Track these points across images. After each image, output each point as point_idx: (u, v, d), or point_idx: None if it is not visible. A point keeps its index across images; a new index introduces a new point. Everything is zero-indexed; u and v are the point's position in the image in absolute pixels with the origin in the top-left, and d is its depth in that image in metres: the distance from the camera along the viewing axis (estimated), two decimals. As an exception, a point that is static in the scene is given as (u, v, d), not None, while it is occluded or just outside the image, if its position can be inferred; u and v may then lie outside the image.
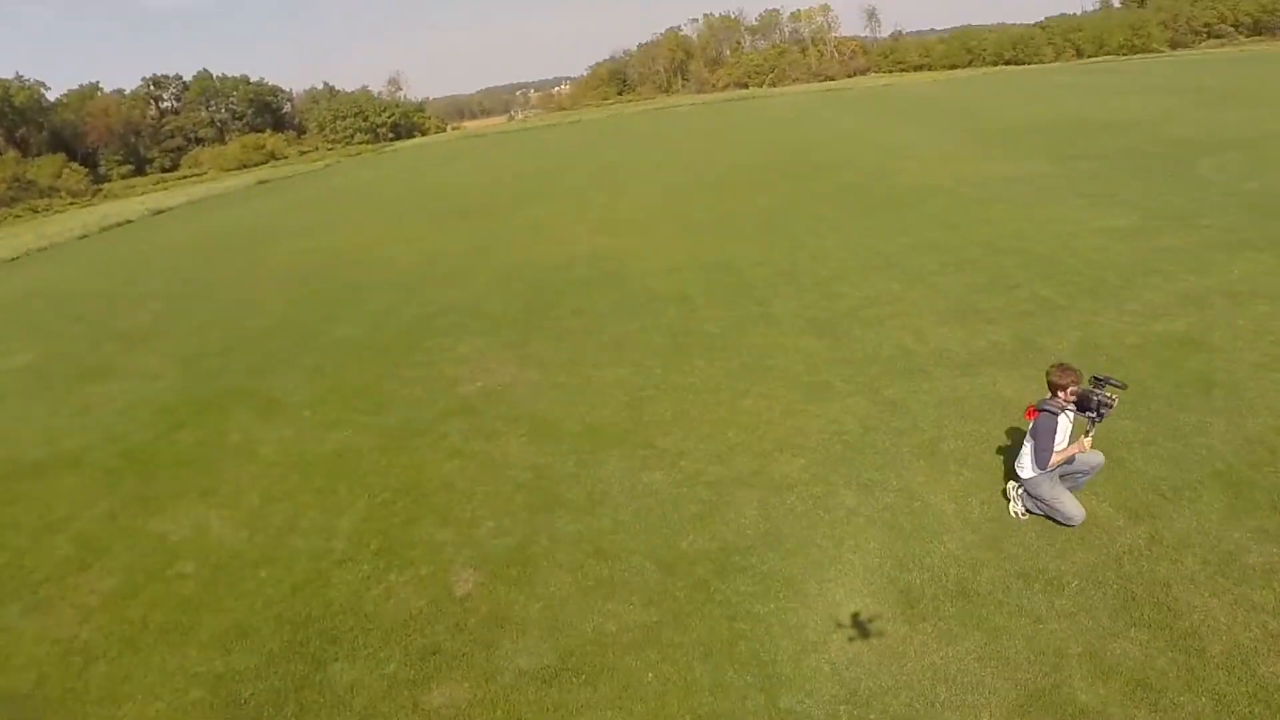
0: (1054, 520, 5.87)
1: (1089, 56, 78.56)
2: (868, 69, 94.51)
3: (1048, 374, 5.75)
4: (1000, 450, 7.04)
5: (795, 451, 7.46)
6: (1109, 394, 5.54)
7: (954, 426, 7.54)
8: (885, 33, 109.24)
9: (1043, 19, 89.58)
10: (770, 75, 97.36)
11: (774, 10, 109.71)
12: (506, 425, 8.85)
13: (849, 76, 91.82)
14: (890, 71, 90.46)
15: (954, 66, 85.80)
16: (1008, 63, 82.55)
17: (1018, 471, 5.98)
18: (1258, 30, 75.77)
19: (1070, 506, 5.75)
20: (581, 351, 10.83)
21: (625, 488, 7.25)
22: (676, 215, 20.02)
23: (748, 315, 11.41)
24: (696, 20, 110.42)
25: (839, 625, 5.29)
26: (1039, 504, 5.90)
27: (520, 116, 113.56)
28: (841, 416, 8.02)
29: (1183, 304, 9.67)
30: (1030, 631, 5.02)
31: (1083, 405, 5.62)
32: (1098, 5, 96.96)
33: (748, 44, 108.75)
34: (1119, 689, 4.55)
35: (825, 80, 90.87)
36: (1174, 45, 77.22)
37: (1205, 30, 78.11)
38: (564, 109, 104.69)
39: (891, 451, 7.25)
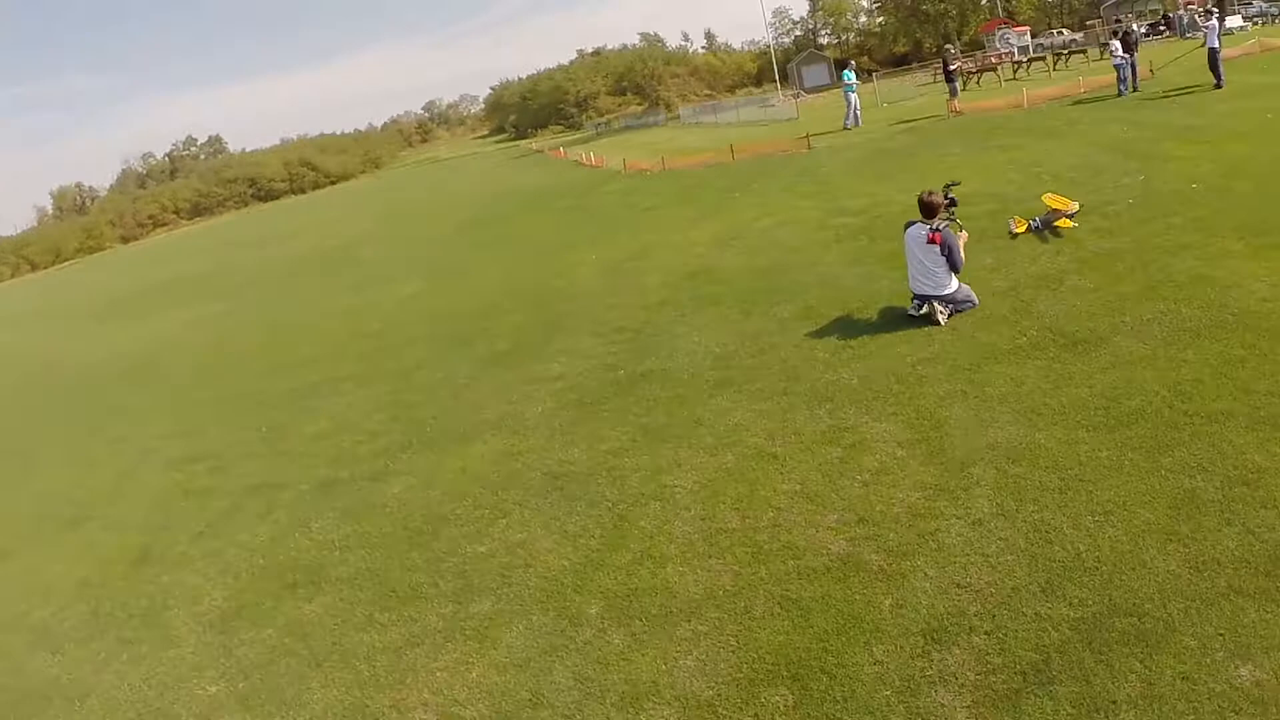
0: (963, 311, 6.76)
1: (45, 267, 76.71)
2: None
3: (927, 203, 6.66)
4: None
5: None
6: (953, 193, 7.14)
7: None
8: None
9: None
10: None
11: None
12: None
13: None
14: None
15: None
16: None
17: (941, 292, 6.63)
18: (198, 212, 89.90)
19: (974, 293, 6.83)
20: None
21: None
22: None
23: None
24: None
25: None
26: (958, 306, 6.74)
27: None
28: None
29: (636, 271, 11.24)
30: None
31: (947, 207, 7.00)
32: (35, 221, 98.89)
33: None
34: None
35: None
36: (125, 240, 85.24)
37: (151, 220, 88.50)
38: None
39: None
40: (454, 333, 10.13)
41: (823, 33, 79.68)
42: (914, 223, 6.78)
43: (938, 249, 6.53)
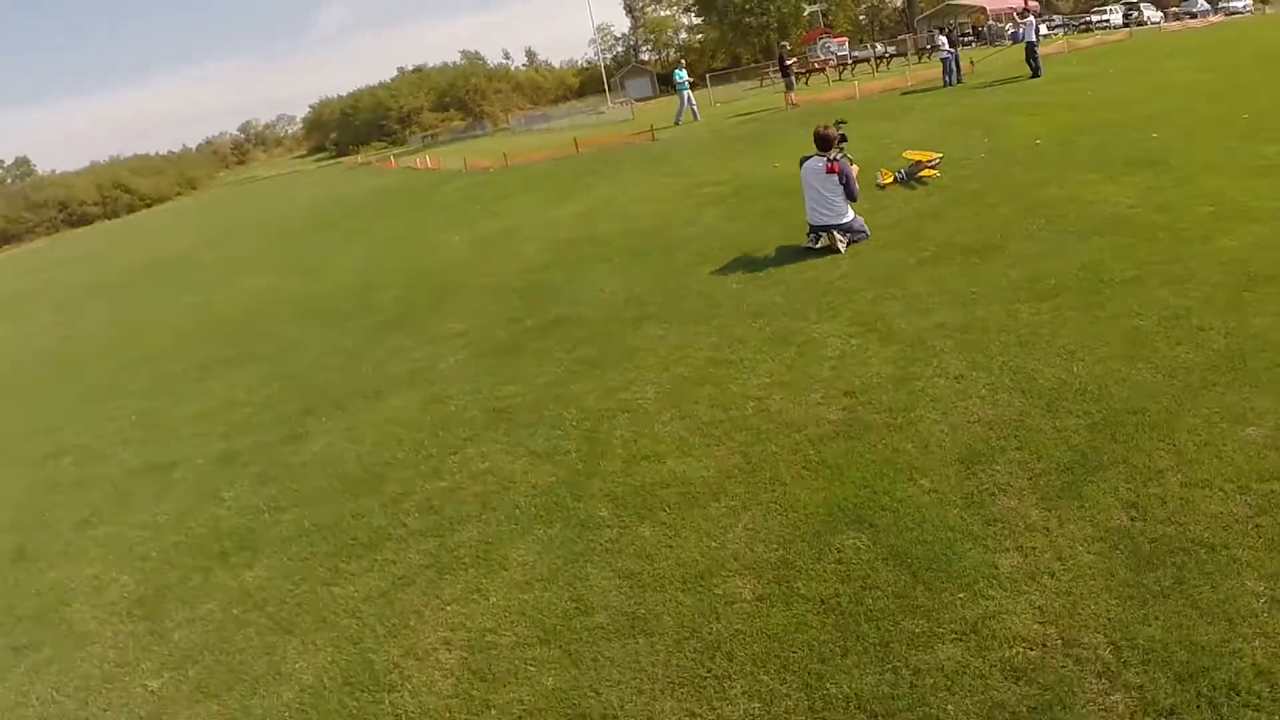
0: (859, 241, 7.18)
1: None
2: None
3: (824, 136, 7.01)
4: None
5: None
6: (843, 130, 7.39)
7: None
8: None
9: None
10: None
11: None
12: None
13: None
14: None
15: None
16: None
17: (840, 221, 7.03)
18: (5, 239, 76.55)
19: (866, 225, 7.33)
20: None
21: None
22: None
23: None
24: None
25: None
26: (855, 235, 7.13)
27: None
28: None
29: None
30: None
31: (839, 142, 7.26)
32: None
33: None
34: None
35: None
36: None
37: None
38: None
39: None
40: (325, 311, 9.29)
41: (644, 48, 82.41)
42: (809, 157, 7.10)
43: (836, 178, 6.89)
